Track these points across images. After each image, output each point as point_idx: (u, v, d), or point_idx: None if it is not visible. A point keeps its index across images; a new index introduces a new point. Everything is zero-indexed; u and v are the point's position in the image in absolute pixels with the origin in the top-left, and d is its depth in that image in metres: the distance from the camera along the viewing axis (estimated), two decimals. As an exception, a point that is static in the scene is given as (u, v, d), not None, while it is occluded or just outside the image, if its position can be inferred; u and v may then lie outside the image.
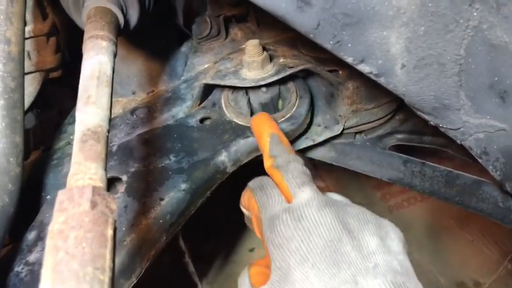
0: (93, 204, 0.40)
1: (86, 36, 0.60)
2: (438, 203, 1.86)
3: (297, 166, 0.60)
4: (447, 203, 0.78)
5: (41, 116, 1.02)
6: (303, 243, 0.49)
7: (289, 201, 0.57)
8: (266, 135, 0.65)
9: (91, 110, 0.50)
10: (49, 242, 0.38)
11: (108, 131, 0.50)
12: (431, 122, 0.64)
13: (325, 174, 2.06)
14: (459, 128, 0.62)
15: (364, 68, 0.57)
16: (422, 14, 0.53)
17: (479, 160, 0.63)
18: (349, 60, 0.56)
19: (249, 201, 0.62)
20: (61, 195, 0.41)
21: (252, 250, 1.84)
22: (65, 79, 1.10)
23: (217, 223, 1.92)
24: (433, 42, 0.55)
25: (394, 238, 0.54)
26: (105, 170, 0.46)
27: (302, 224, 0.51)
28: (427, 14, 0.53)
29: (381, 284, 0.46)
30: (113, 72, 0.56)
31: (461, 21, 0.53)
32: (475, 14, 0.53)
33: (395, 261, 0.49)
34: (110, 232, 0.40)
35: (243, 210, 0.66)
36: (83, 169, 0.44)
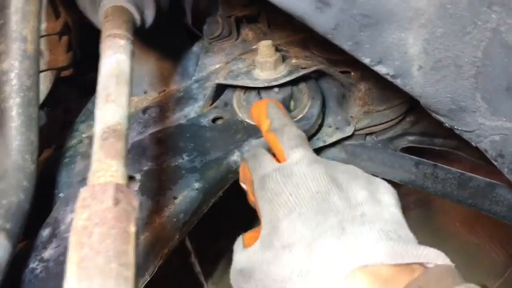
0: (116, 201, 0.41)
1: (103, 34, 0.60)
2: (445, 206, 1.87)
3: (292, 129, 0.61)
4: (460, 205, 0.78)
5: (47, 114, 1.03)
6: (291, 196, 0.51)
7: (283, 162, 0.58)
8: (264, 102, 0.67)
9: (111, 108, 0.50)
10: (73, 238, 0.38)
11: (128, 129, 0.50)
12: (447, 124, 0.64)
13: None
14: (474, 130, 0.62)
15: (381, 69, 0.57)
16: (441, 16, 0.53)
17: (495, 163, 0.63)
18: (367, 61, 0.56)
19: (243, 172, 0.63)
20: (84, 192, 0.41)
21: (257, 251, 1.84)
22: (70, 78, 1.11)
23: (224, 224, 1.91)
24: (450, 44, 0.55)
25: (385, 192, 0.54)
26: (126, 167, 0.46)
27: (291, 179, 0.52)
28: (446, 15, 0.53)
29: (368, 231, 0.46)
30: (131, 70, 0.57)
31: (480, 23, 0.53)
32: (493, 16, 0.53)
33: (385, 211, 0.50)
34: (132, 229, 0.40)
35: (243, 185, 0.67)
36: (104, 166, 0.44)
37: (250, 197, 0.62)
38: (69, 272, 0.36)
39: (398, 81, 0.58)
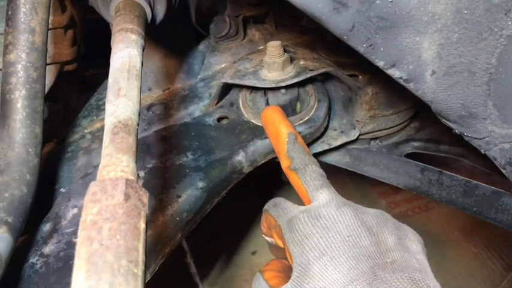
0: (127, 197, 0.40)
1: (114, 29, 0.59)
2: (443, 214, 1.87)
3: (315, 168, 0.60)
4: (465, 212, 0.78)
5: (48, 109, 1.02)
6: (321, 238, 0.50)
7: (307, 204, 0.57)
8: (283, 134, 0.65)
9: (122, 103, 0.49)
10: (83, 232, 0.37)
11: (138, 124, 0.49)
12: (456, 131, 0.64)
13: (330, 180, 2.05)
14: (484, 138, 0.62)
15: (394, 72, 0.56)
16: (457, 21, 0.52)
17: (503, 171, 0.63)
18: (380, 64, 0.55)
19: (267, 222, 0.62)
20: (94, 186, 0.40)
21: (254, 253, 1.84)
22: (71, 74, 1.10)
23: (221, 225, 1.91)
24: (465, 49, 0.55)
25: (413, 239, 0.54)
26: (136, 163, 0.46)
27: (320, 221, 0.52)
28: (462, 21, 0.52)
29: (399, 279, 0.45)
30: (142, 66, 0.56)
31: (496, 29, 0.53)
32: (509, 23, 0.52)
33: (413, 259, 0.49)
34: (142, 225, 0.40)
35: (266, 238, 0.66)
36: (114, 161, 0.44)
37: (278, 244, 0.60)
38: (77, 267, 0.35)
39: (411, 86, 0.58)
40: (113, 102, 0.50)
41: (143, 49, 0.59)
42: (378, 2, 0.51)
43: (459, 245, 1.72)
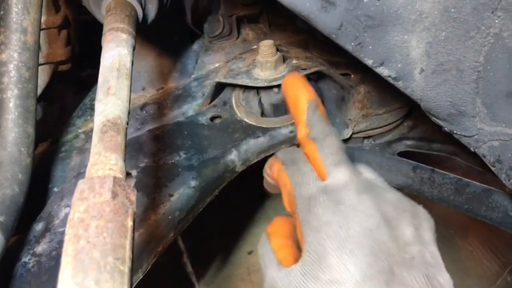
0: (114, 195, 0.40)
1: (105, 28, 0.60)
2: (438, 213, 1.86)
3: (335, 141, 0.55)
4: (456, 210, 0.78)
5: (44, 109, 1.02)
6: (341, 229, 0.49)
7: (322, 178, 0.55)
8: (303, 100, 0.58)
9: (111, 101, 0.49)
10: (70, 230, 0.38)
11: (127, 123, 0.50)
12: (446, 129, 0.64)
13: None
14: (473, 136, 0.62)
15: (383, 71, 0.57)
16: (445, 20, 0.53)
17: (492, 168, 0.63)
18: (369, 62, 0.56)
19: (278, 174, 0.58)
20: (82, 184, 0.41)
21: (250, 252, 1.84)
22: (67, 75, 1.10)
23: (217, 225, 1.91)
24: (453, 48, 0.55)
25: (427, 228, 0.53)
26: (124, 161, 0.46)
27: (340, 208, 0.50)
28: (449, 19, 0.53)
29: (416, 277, 0.46)
30: (132, 65, 0.56)
31: (483, 28, 0.53)
32: (496, 21, 0.53)
33: (427, 253, 0.49)
34: (129, 223, 0.40)
35: (266, 176, 0.62)
36: (103, 159, 0.44)
37: (285, 204, 0.57)
38: (64, 264, 0.36)
39: (399, 84, 0.58)
40: (103, 101, 0.50)
41: (134, 48, 0.59)
42: (365, 0, 0.51)
43: (454, 244, 1.72)
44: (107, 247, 0.37)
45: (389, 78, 0.58)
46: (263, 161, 0.85)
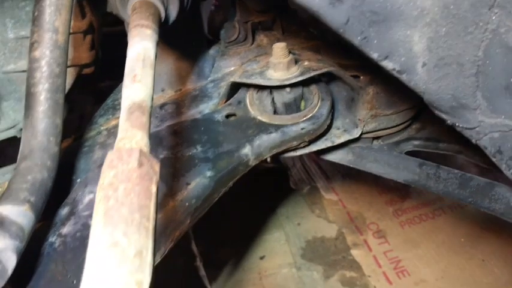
0: (140, 164, 0.45)
1: (131, 25, 0.65)
2: (450, 221, 1.88)
3: None
4: (460, 203, 0.81)
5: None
6: None
7: None
8: None
9: (137, 87, 0.54)
10: (100, 193, 0.42)
11: (151, 108, 0.54)
12: (448, 121, 0.67)
13: (338, 188, 2.09)
14: (475, 128, 0.66)
15: (387, 64, 0.61)
16: (445, 16, 0.57)
17: (493, 159, 0.67)
18: (374, 56, 0.60)
19: None
20: (110, 155, 0.45)
21: (262, 258, 1.86)
22: (88, 86, 1.16)
23: (230, 230, 1.95)
24: (453, 43, 0.59)
25: None
26: (149, 139, 0.50)
27: None
28: (449, 15, 0.57)
29: None
30: (156, 58, 0.61)
31: (481, 24, 0.57)
32: (493, 17, 0.57)
33: None
34: (154, 189, 0.44)
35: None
36: (129, 135, 0.49)
37: None
38: (95, 220, 0.40)
39: (403, 77, 0.62)
40: (129, 86, 0.55)
41: (157, 44, 0.64)
42: (370, -3, 0.56)
43: (465, 252, 1.73)
44: (134, 206, 0.41)
45: (393, 72, 0.62)
46: (275, 157, 0.89)
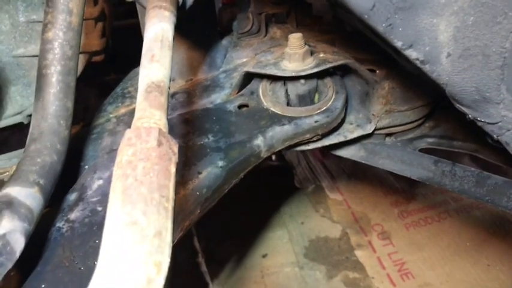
0: (159, 143, 0.43)
1: (149, 6, 0.63)
2: (455, 224, 1.86)
3: None
4: (477, 201, 0.79)
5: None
6: None
7: None
8: None
9: (155, 67, 0.53)
10: (118, 171, 0.41)
11: (169, 88, 0.53)
12: (470, 115, 0.66)
13: (342, 188, 2.07)
14: (497, 123, 0.64)
15: (411, 53, 0.59)
16: (473, 4, 0.55)
17: (515, 156, 0.65)
18: (398, 44, 0.58)
19: None
20: (129, 133, 0.44)
21: (264, 256, 1.85)
22: (92, 79, 1.15)
23: (232, 227, 1.94)
24: (480, 33, 0.57)
25: None
26: (167, 119, 0.49)
27: None
28: (478, 4, 0.55)
29: None
30: (173, 39, 0.60)
31: (510, 14, 0.55)
32: (523, 7, 0.55)
33: None
34: (173, 169, 0.43)
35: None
36: (147, 114, 0.47)
37: None
38: (112, 198, 0.38)
39: (426, 67, 0.61)
40: (147, 66, 0.53)
41: (174, 25, 0.62)
42: (398, -18, 0.54)
43: (471, 256, 1.71)
44: (153, 185, 0.40)
45: (417, 62, 0.60)
46: (288, 149, 0.88)
